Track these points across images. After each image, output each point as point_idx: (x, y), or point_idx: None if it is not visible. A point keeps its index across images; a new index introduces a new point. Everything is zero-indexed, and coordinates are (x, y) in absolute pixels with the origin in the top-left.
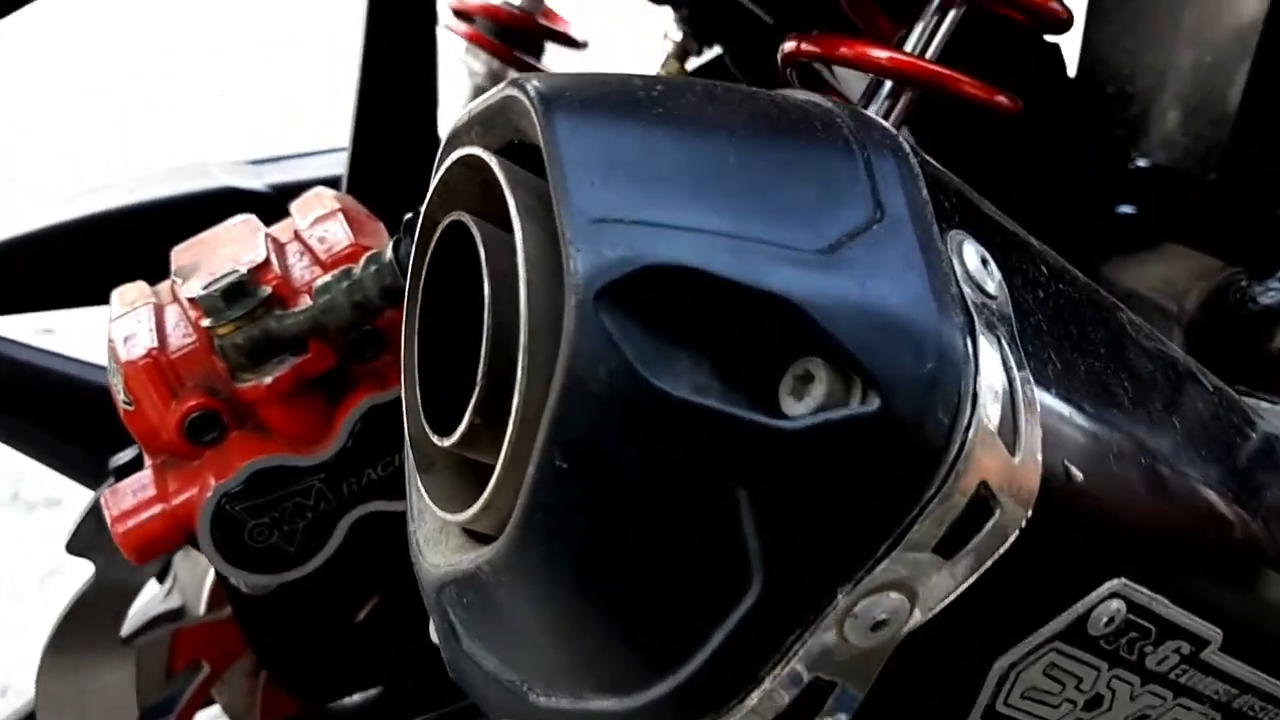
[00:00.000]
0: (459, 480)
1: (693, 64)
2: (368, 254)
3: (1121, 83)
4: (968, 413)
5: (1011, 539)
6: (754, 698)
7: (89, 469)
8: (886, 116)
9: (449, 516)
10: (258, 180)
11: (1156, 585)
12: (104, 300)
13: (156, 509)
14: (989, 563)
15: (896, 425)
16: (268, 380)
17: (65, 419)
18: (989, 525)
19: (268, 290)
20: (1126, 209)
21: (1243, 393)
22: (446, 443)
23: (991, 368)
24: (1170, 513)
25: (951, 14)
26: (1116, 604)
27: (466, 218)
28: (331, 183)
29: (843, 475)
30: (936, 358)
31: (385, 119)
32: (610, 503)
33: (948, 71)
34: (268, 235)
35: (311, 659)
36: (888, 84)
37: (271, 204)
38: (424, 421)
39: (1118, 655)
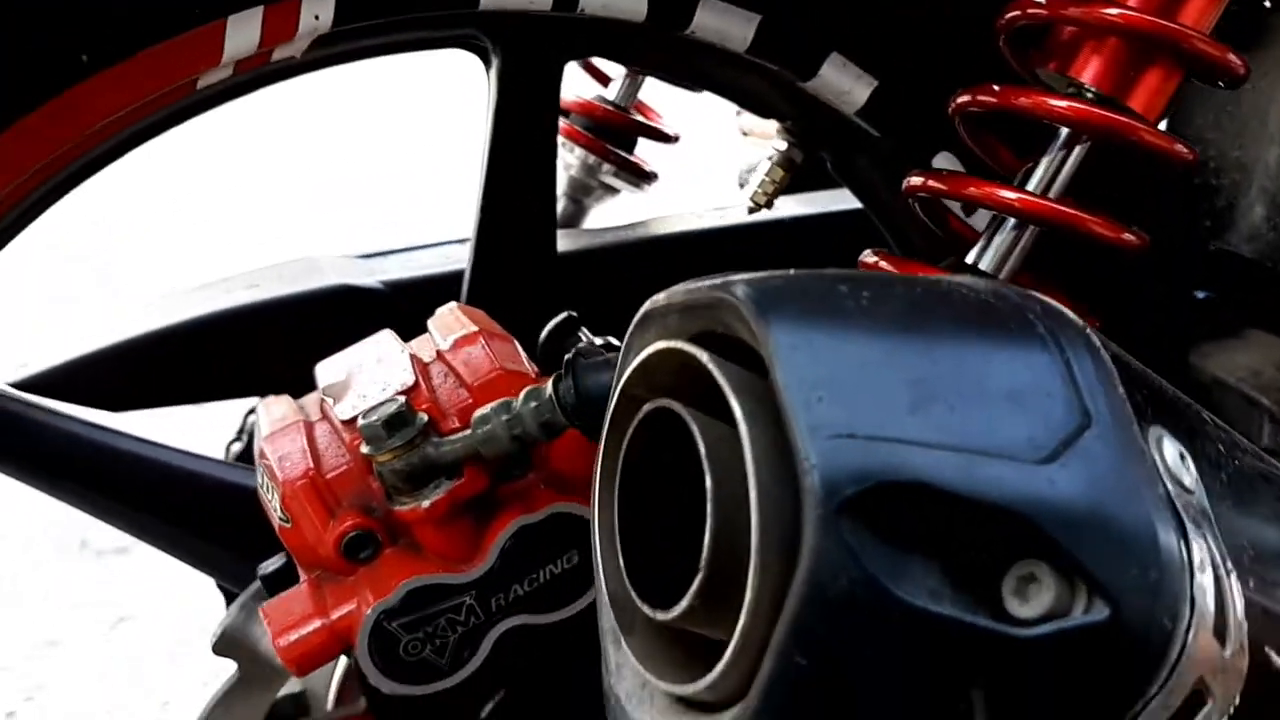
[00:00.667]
0: (662, 643)
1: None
2: (526, 389)
3: (1207, 176)
4: (1187, 616)
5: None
6: None
7: (232, 569)
8: (1012, 250)
9: (671, 688)
10: (370, 277)
11: None
12: (223, 397)
13: (316, 624)
14: None
15: (1125, 632)
16: (425, 504)
17: (213, 522)
18: (1202, 713)
19: (425, 419)
20: (1205, 294)
21: None
22: (661, 616)
23: (1204, 568)
24: None
25: (1077, 150)
26: None
27: (683, 411)
28: (444, 279)
29: (1073, 676)
30: (1158, 565)
31: (507, 224)
32: (847, 698)
33: (1075, 212)
34: (413, 356)
35: None
36: (1011, 220)
37: (384, 301)
38: (631, 591)
39: None
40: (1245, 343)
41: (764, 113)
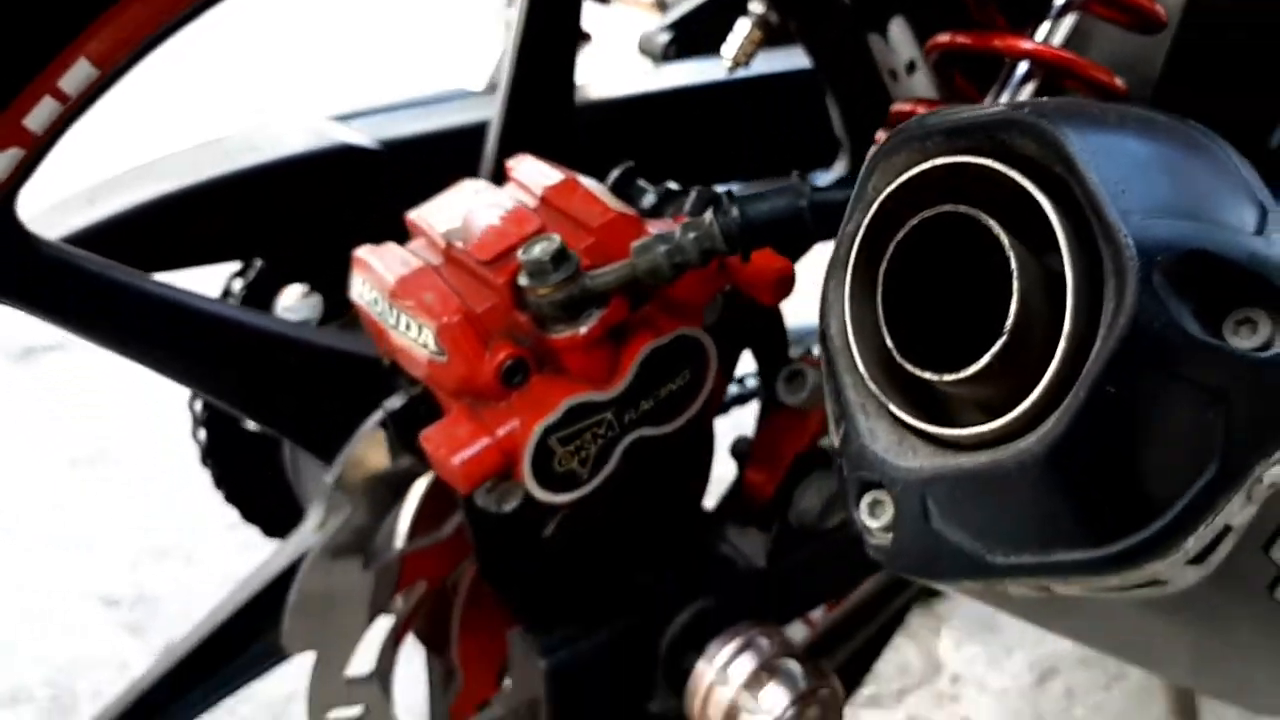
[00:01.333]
0: (914, 408)
1: None
2: (684, 223)
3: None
4: None
5: None
6: (1189, 544)
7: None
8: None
9: (967, 431)
10: (364, 137)
11: None
12: (222, 260)
13: (485, 441)
14: None
15: None
16: (583, 330)
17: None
18: None
19: (578, 256)
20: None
21: None
22: (950, 377)
23: None
24: None
25: (1070, 17)
26: None
27: (986, 219)
28: (441, 137)
29: None
30: None
31: (540, 77)
32: (1135, 411)
33: (1081, 59)
34: (527, 203)
35: (522, 568)
36: (1018, 74)
37: (381, 160)
38: (906, 363)
39: None
40: None
41: None
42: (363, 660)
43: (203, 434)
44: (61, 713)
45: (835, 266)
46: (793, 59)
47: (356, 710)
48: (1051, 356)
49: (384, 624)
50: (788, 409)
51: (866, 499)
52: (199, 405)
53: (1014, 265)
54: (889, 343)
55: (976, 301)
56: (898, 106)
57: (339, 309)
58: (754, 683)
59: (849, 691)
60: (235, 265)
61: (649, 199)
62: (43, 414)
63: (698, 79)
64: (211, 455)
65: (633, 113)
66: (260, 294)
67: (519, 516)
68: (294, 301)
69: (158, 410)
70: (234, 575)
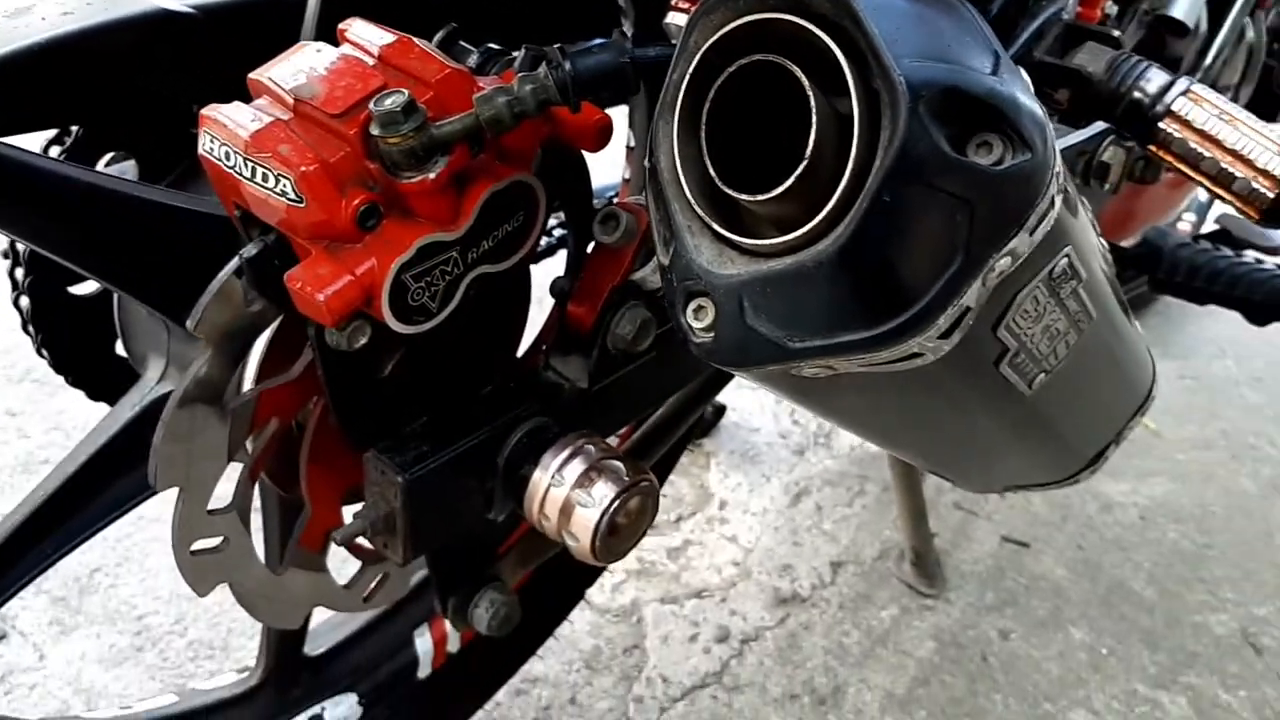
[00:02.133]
0: (729, 224)
1: None
2: (521, 75)
3: None
4: (1055, 154)
5: (1053, 221)
6: (941, 322)
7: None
8: None
9: (772, 241)
10: (182, 2)
11: (1076, 247)
12: (47, 126)
13: (347, 278)
14: (1050, 225)
15: (1036, 168)
16: (431, 176)
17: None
18: (1050, 214)
19: (425, 107)
20: None
21: None
22: (761, 197)
23: (1053, 134)
24: (1072, 207)
25: None
26: (1064, 260)
27: (789, 64)
28: (253, 5)
29: (1012, 193)
30: (1048, 134)
31: None
32: (905, 217)
33: None
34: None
35: (370, 402)
36: None
37: (198, 25)
38: (725, 187)
39: (1055, 289)
40: None
41: None
42: (221, 496)
43: (24, 302)
44: None
45: (664, 109)
46: None
47: (217, 540)
48: (841, 175)
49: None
50: (603, 248)
51: (692, 305)
52: (20, 273)
53: (812, 102)
54: (711, 171)
55: (782, 135)
56: None
57: (156, 175)
58: (584, 481)
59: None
60: (50, 133)
61: (474, 59)
62: None
63: None
64: (34, 323)
65: None
66: (80, 160)
67: (365, 354)
68: (114, 169)
69: None
70: None
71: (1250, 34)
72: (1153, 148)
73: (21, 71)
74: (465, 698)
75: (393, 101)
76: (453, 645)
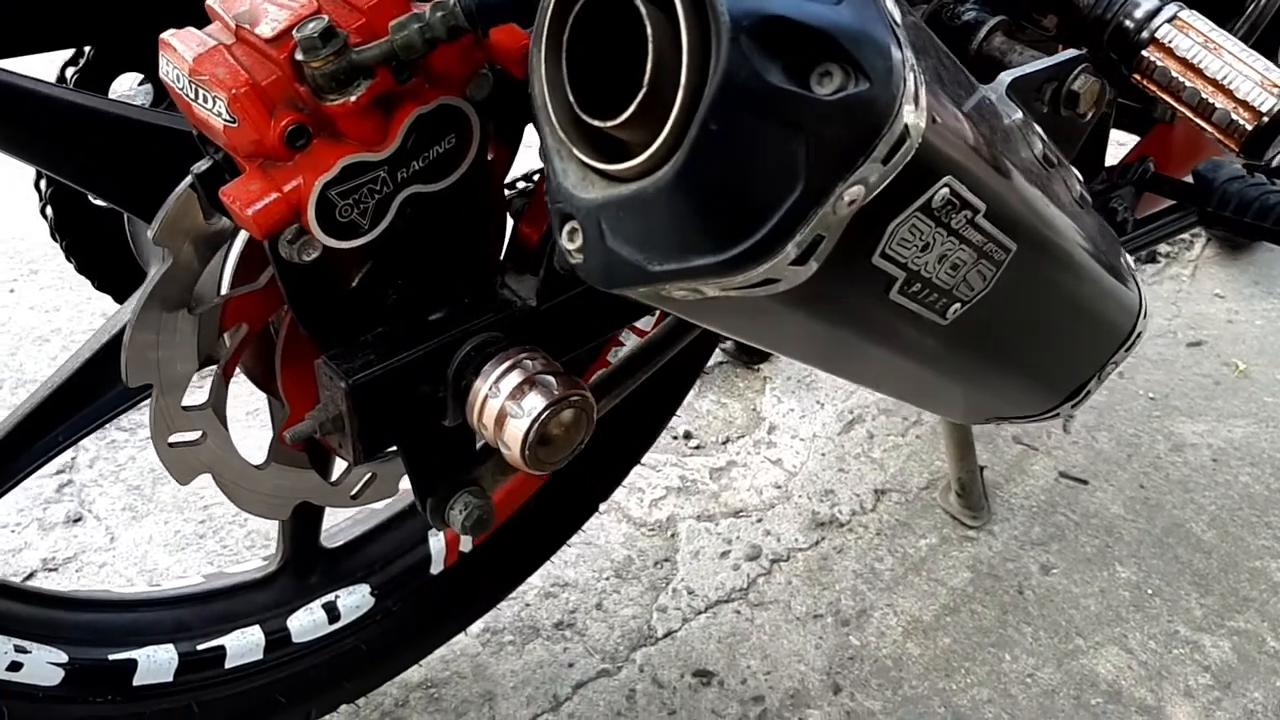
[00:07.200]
0: (594, 149)
1: None
2: (433, 3)
3: None
4: (901, 88)
5: (913, 152)
6: (789, 249)
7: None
8: None
9: (623, 165)
10: None
11: (962, 179)
12: (61, 47)
13: (274, 195)
14: (903, 164)
15: (875, 98)
16: (353, 99)
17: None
18: (905, 146)
19: (346, 32)
20: None
21: None
22: (609, 123)
23: (910, 68)
24: (965, 137)
25: None
26: (945, 190)
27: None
28: None
29: (851, 123)
30: (890, 59)
31: None
32: (737, 144)
33: None
34: None
35: (329, 311)
36: None
37: None
38: (582, 113)
39: (941, 219)
40: None
41: None
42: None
43: (50, 211)
44: None
45: (534, 38)
46: None
47: (195, 435)
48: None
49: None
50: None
51: (566, 227)
52: (44, 184)
53: (649, 30)
54: (570, 97)
55: (633, 63)
56: None
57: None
58: (518, 393)
59: (654, 427)
60: (67, 54)
61: None
62: None
63: None
64: (59, 230)
65: None
66: (93, 81)
67: (321, 266)
68: (127, 89)
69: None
70: None
71: None
72: (1136, 76)
73: None
74: (475, 597)
75: (313, 27)
76: (465, 545)
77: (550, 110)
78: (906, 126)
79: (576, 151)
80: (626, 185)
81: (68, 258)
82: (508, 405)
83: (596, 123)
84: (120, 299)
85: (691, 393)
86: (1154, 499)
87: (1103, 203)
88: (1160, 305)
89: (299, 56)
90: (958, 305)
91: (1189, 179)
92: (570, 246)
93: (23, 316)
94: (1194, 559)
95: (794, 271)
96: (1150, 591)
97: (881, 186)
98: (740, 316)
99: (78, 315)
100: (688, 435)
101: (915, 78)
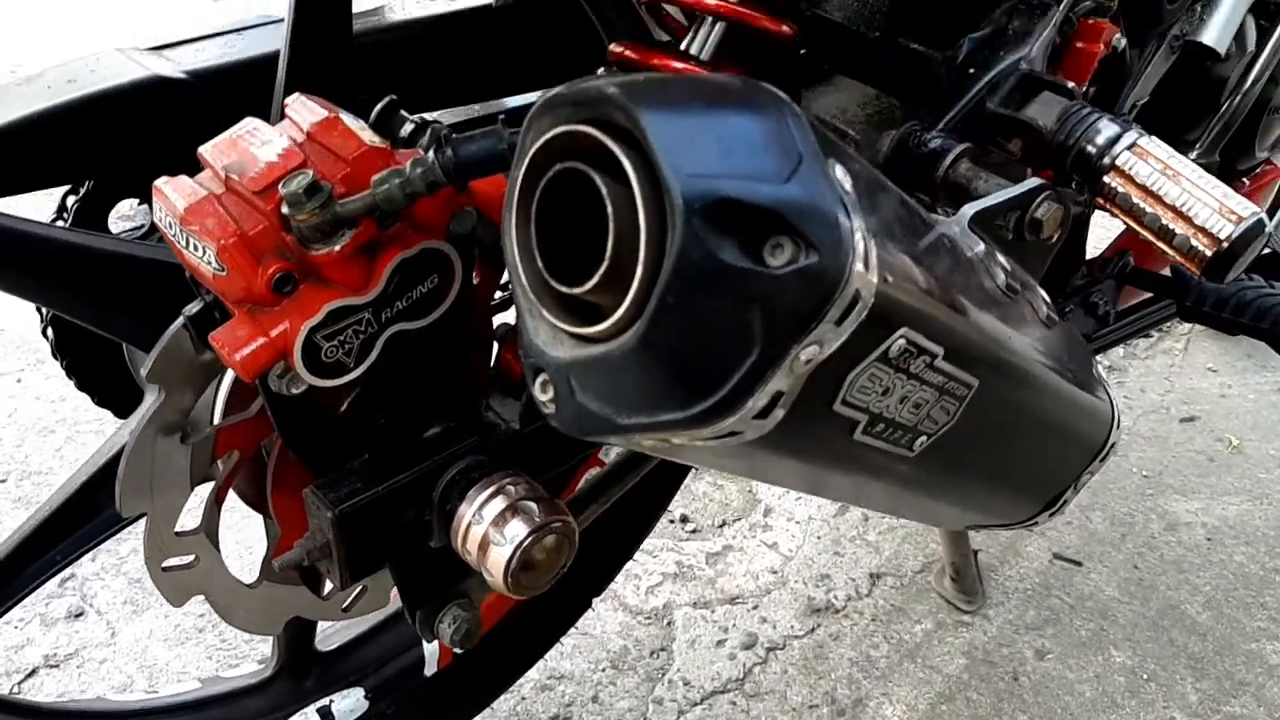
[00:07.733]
0: (564, 312)
1: None
2: (412, 159)
3: None
4: (850, 258)
5: (866, 311)
6: (749, 405)
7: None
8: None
9: (589, 330)
10: (172, 67)
11: (919, 329)
12: (61, 183)
13: (261, 340)
14: (857, 323)
15: (825, 268)
16: (337, 248)
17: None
18: (858, 307)
19: (330, 186)
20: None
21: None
22: (576, 290)
23: (860, 234)
24: (921, 286)
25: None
26: (901, 341)
27: (586, 167)
28: (241, 67)
29: (802, 292)
30: (839, 231)
31: (322, 8)
32: (694, 315)
33: (751, 11)
34: (291, 139)
35: (318, 438)
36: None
37: (191, 90)
38: (549, 279)
39: (899, 366)
40: (835, 87)
41: None
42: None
43: (50, 333)
44: None
45: (506, 205)
46: None
47: (188, 559)
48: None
49: (207, 489)
50: None
51: (538, 380)
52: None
53: (609, 208)
54: (540, 263)
55: (597, 233)
56: (613, 48)
57: None
58: (501, 520)
59: (639, 535)
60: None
61: (408, 128)
62: None
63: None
64: (59, 350)
65: (406, 38)
66: (93, 209)
67: (309, 396)
68: (127, 209)
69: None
70: None
71: None
72: (1099, 200)
73: (32, 135)
74: (469, 697)
75: (297, 183)
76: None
77: (521, 273)
78: (858, 291)
79: (546, 314)
80: (593, 346)
81: (68, 376)
82: (490, 532)
83: (564, 289)
84: (120, 414)
85: (689, 476)
86: (1148, 580)
87: (1084, 297)
88: (1153, 380)
89: (284, 210)
90: (924, 438)
91: (1168, 272)
92: (543, 398)
93: (29, 407)
94: (1189, 642)
95: (760, 425)
96: (1145, 676)
97: (837, 344)
98: (714, 457)
99: (83, 406)
100: (684, 519)
101: (865, 242)
